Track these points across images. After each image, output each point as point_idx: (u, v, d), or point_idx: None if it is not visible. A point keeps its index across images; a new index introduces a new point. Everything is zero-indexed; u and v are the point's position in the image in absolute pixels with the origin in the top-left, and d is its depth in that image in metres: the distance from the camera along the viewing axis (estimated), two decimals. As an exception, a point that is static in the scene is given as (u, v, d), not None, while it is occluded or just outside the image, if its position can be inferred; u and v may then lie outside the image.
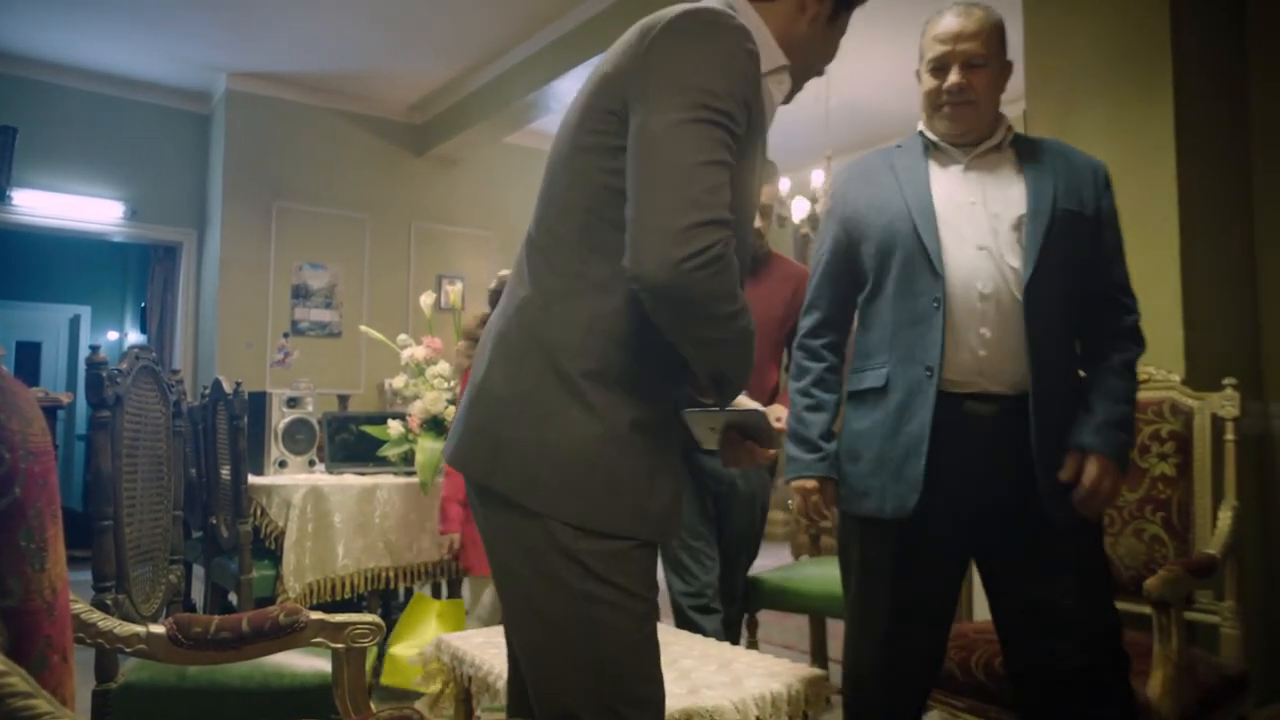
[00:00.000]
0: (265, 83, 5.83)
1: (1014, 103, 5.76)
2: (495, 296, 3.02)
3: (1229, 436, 2.17)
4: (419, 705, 1.65)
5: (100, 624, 1.37)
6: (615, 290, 1.09)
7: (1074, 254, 1.68)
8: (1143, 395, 2.50)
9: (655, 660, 1.14)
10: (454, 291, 5.28)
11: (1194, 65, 2.76)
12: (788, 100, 1.28)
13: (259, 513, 3.05)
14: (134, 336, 8.34)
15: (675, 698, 1.66)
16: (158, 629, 1.38)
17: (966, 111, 1.73)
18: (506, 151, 6.75)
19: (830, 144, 6.01)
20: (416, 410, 3.25)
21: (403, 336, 3.55)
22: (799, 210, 5.41)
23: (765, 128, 1.19)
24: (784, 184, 5.56)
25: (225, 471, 3.05)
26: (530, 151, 6.92)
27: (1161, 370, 2.51)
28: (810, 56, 1.27)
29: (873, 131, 6.77)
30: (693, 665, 1.87)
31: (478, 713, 1.97)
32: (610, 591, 1.06)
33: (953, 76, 1.71)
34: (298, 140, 6.01)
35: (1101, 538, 1.78)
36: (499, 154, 6.72)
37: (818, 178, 5.50)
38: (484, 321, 3.13)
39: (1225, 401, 2.35)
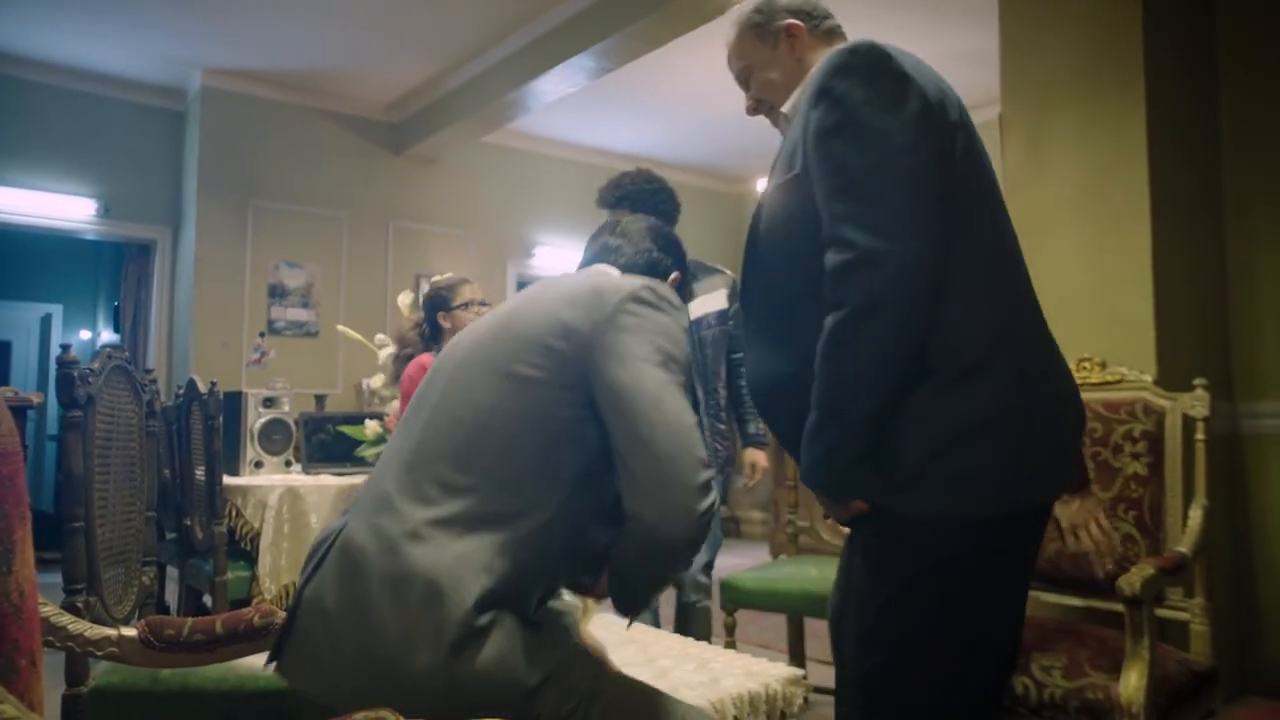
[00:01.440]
0: (241, 79, 5.77)
1: (989, 106, 5.82)
2: (433, 304, 3.03)
3: (1199, 436, 2.20)
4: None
5: (70, 627, 1.35)
6: (523, 523, 1.16)
7: None
8: (1115, 395, 2.53)
9: None
10: (432, 291, 5.27)
11: (1166, 69, 2.80)
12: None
13: (234, 514, 3.02)
14: (107, 336, 8.24)
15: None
16: (129, 632, 1.36)
17: (774, 117, 1.66)
18: (484, 150, 6.72)
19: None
20: (394, 410, 3.23)
21: (380, 336, 3.53)
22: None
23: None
24: (761, 185, 5.58)
25: (200, 472, 3.02)
26: (508, 151, 6.90)
27: (1134, 371, 2.54)
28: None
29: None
30: (671, 665, 1.88)
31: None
32: None
33: (746, 101, 1.67)
34: (274, 138, 5.95)
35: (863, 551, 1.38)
36: (477, 153, 6.69)
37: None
38: (417, 326, 3.15)
39: (1195, 402, 2.39)
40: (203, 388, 2.93)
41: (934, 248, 1.15)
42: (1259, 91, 2.89)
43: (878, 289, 1.12)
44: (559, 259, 7.12)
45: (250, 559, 3.01)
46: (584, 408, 1.18)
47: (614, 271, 1.43)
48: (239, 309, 5.81)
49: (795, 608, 2.83)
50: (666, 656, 1.95)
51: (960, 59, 5.34)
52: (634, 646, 2.03)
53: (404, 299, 3.58)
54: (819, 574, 2.87)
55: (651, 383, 1.15)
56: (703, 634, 2.63)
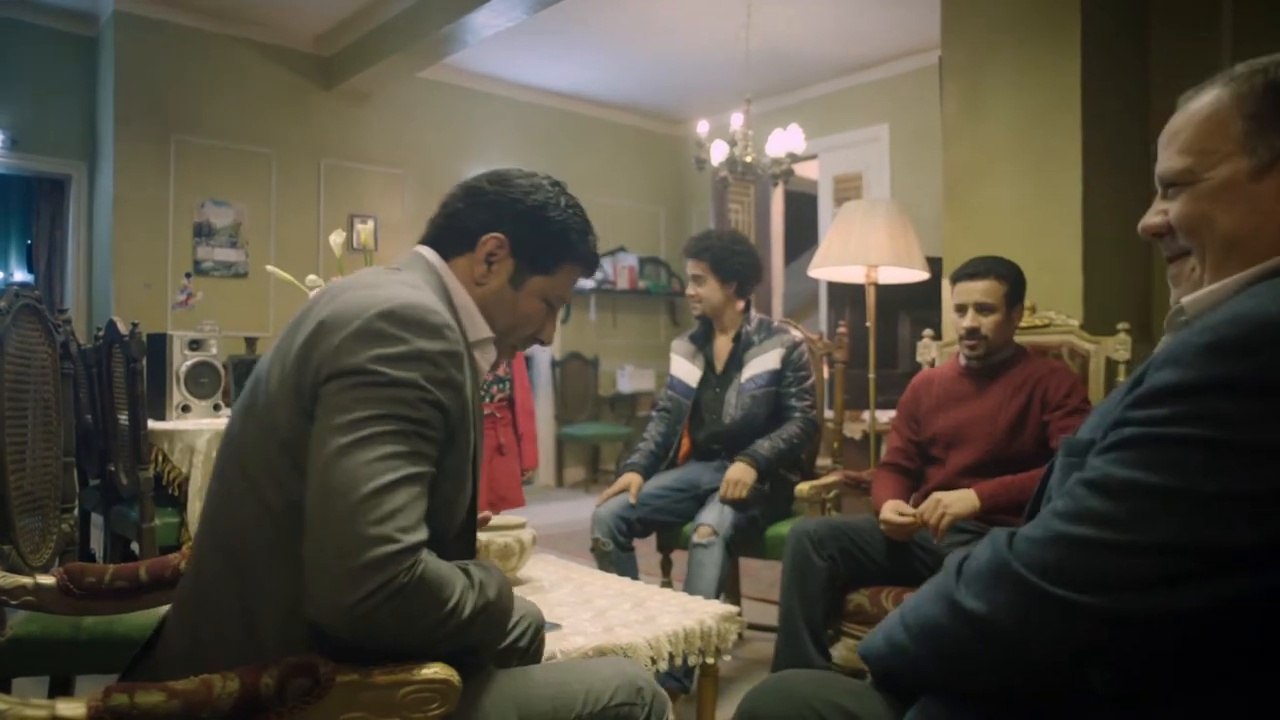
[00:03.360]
0: (158, 4, 5.46)
1: (929, 51, 5.83)
2: None
3: (1121, 378, 2.27)
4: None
5: (-17, 575, 1.30)
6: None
7: None
8: (1044, 339, 2.60)
9: None
10: (365, 231, 5.10)
11: (1101, 14, 2.82)
12: (494, 368, 1.28)
13: (160, 459, 2.94)
14: (20, 276, 7.87)
15: (590, 636, 1.68)
16: (47, 580, 1.32)
17: None
18: (420, 87, 6.51)
19: (750, 87, 5.98)
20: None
21: (312, 277, 3.42)
22: (718, 153, 5.39)
23: (471, 411, 1.12)
24: (702, 126, 5.53)
25: (123, 417, 2.92)
26: (445, 88, 6.70)
27: (1062, 315, 2.60)
28: (509, 322, 1.25)
29: (794, 75, 6.77)
30: (608, 604, 1.90)
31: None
32: None
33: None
34: (195, 69, 5.67)
35: None
36: (413, 89, 6.48)
37: (737, 121, 5.47)
38: None
39: (1119, 345, 2.46)
40: (124, 329, 2.82)
41: None
42: (1185, 38, 2.93)
43: None
44: (497, 200, 7.00)
45: (179, 504, 2.94)
46: None
47: (418, 262, 1.21)
48: (162, 249, 5.60)
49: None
50: (603, 596, 1.97)
51: (901, 2, 5.33)
52: (570, 586, 2.05)
53: (336, 239, 3.47)
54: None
55: (335, 445, 0.95)
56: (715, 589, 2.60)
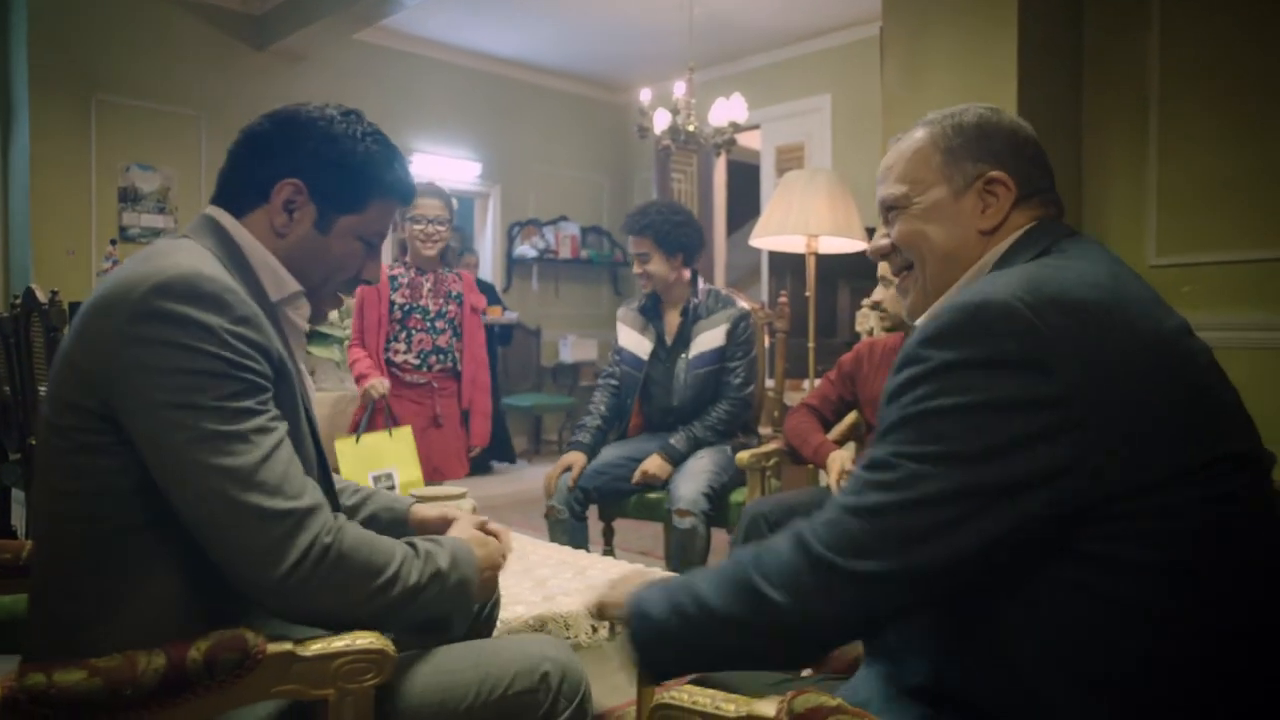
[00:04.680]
0: (76, -42, 5.22)
1: (871, 22, 5.85)
2: None
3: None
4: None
5: (-108, 553, 1.25)
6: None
7: None
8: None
9: None
10: (300, 198, 5.01)
11: (1037, -10, 2.87)
12: (318, 317, 1.21)
13: (85, 432, 2.84)
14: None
15: (531, 605, 1.68)
16: (-39, 557, 1.27)
17: None
18: (357, 49, 6.33)
19: (693, 55, 5.95)
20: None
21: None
22: (660, 122, 5.36)
23: (294, 356, 1.10)
24: (645, 95, 5.49)
25: (44, 389, 2.81)
26: (384, 51, 6.52)
27: (995, 285, 2.65)
28: (325, 269, 1.17)
29: (737, 44, 6.74)
30: (549, 574, 1.90)
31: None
32: None
33: None
34: (117, 24, 5.42)
35: None
36: (349, 52, 6.30)
37: (679, 89, 5.44)
38: None
39: (1049, 315, 2.52)
40: (43, 297, 2.71)
41: None
42: (1118, 18, 2.99)
43: None
44: (438, 166, 6.87)
45: (106, 479, 2.85)
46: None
47: (202, 225, 1.11)
48: (85, 214, 5.38)
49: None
50: (545, 565, 1.97)
51: (845, -27, 5.33)
52: (511, 556, 2.04)
53: (269, 205, 3.38)
54: (696, 483, 2.93)
55: (180, 443, 0.92)
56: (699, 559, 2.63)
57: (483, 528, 1.31)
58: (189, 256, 1.01)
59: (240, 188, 1.14)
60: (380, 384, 2.89)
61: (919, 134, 1.07)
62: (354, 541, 0.98)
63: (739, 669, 0.96)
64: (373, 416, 2.90)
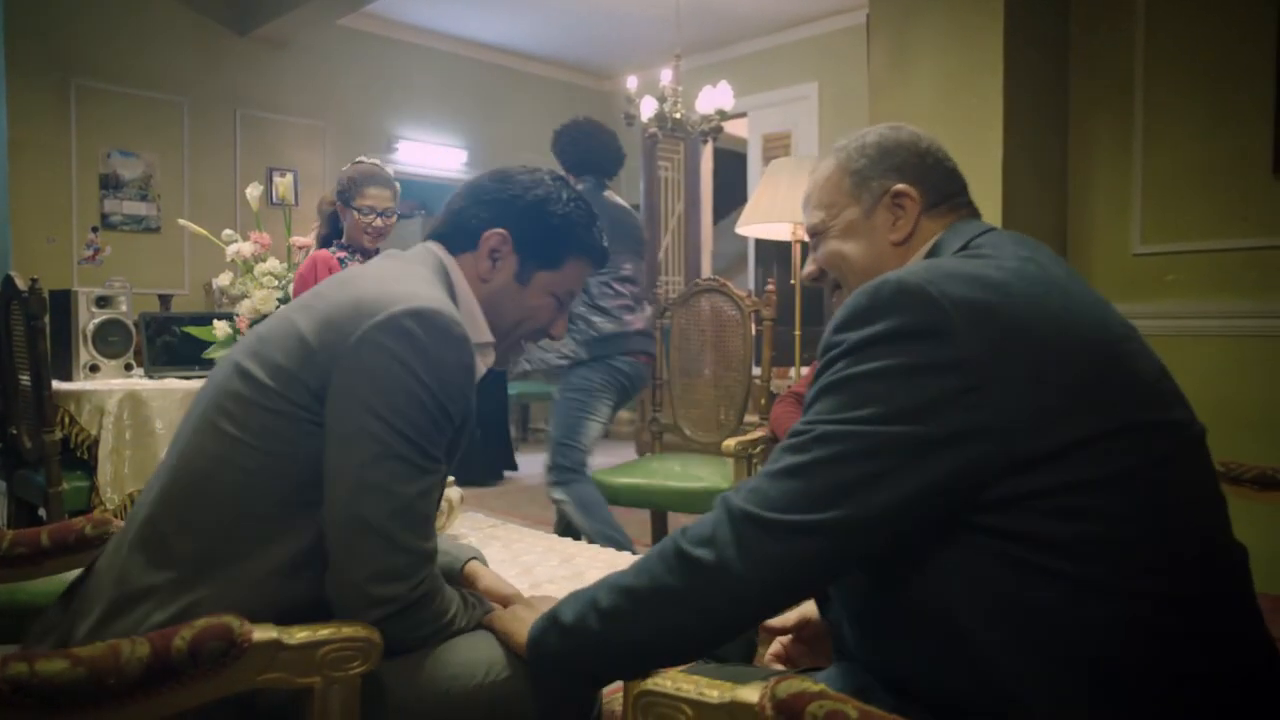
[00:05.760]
0: (54, -60, 5.14)
1: (857, 10, 5.84)
2: (338, 194, 2.81)
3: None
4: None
5: None
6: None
7: None
8: (962, 297, 2.66)
9: None
10: (284, 184, 4.96)
11: (1023, -22, 2.87)
12: (500, 365, 1.30)
13: (67, 421, 2.82)
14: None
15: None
16: (-57, 547, 1.26)
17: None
18: (341, 35, 6.28)
19: (680, 43, 5.92)
20: (245, 310, 3.06)
21: (228, 232, 3.31)
22: (647, 110, 5.34)
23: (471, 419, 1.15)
24: (631, 82, 5.47)
25: (25, 378, 2.79)
26: (368, 37, 6.47)
27: (980, 273, 2.66)
28: (517, 317, 1.25)
29: (724, 32, 6.72)
30: (535, 560, 1.90)
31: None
32: None
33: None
34: (96, 9, 5.35)
35: None
36: (332, 37, 6.24)
37: (666, 76, 5.42)
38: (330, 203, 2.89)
39: (1033, 303, 2.53)
40: (22, 285, 2.68)
41: None
42: (1104, 5, 3.00)
43: None
44: (422, 154, 6.83)
45: (89, 468, 2.83)
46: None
47: (429, 257, 1.22)
48: (66, 201, 5.32)
49: (659, 502, 2.91)
50: (530, 553, 1.97)
51: (831, -41, 5.32)
52: (498, 544, 2.05)
53: (253, 192, 3.35)
54: (682, 470, 2.95)
55: (353, 466, 1.00)
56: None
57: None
58: (440, 293, 1.12)
59: (455, 231, 1.24)
60: None
61: (829, 162, 1.14)
62: (439, 585, 1.07)
63: (676, 657, 0.92)
64: None
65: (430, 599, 1.05)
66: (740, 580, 0.87)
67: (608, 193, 3.20)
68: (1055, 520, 0.82)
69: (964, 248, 1.00)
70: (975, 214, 1.10)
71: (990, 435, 0.82)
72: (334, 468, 1.02)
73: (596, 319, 3.04)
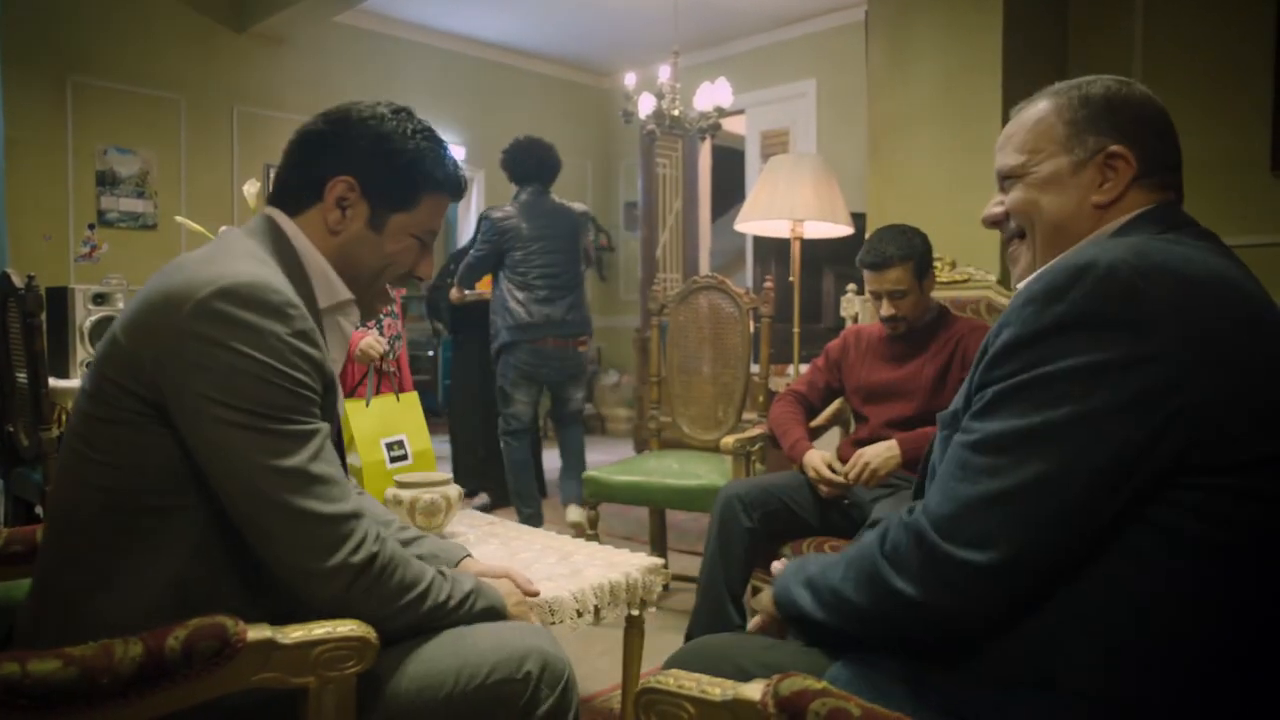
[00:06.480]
0: (50, -64, 5.12)
1: (856, 7, 5.83)
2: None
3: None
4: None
5: None
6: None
7: None
8: (963, 294, 2.65)
9: None
10: (282, 182, 4.94)
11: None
12: (368, 315, 1.24)
13: (64, 418, 2.81)
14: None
15: (515, 592, 1.67)
16: (-63, 545, 1.25)
17: None
18: (339, 32, 6.26)
19: (678, 39, 5.91)
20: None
21: (225, 229, 3.30)
22: (645, 106, 5.33)
23: (335, 383, 1.11)
24: (630, 79, 5.45)
25: (22, 375, 2.78)
26: (365, 34, 6.45)
27: (980, 270, 2.66)
28: (377, 266, 1.18)
29: (722, 28, 6.71)
30: (533, 558, 1.89)
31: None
32: None
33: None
34: (93, 5, 5.33)
35: None
36: (331, 34, 6.22)
37: (664, 73, 5.41)
38: None
39: (1033, 300, 2.52)
40: (18, 282, 2.67)
41: None
42: (1101, 4, 2.99)
43: None
44: (421, 152, 6.81)
45: (86, 466, 2.82)
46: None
47: (261, 226, 1.13)
48: (62, 198, 5.30)
49: (657, 500, 2.90)
50: (528, 550, 1.96)
51: (830, -44, 5.30)
52: (495, 542, 2.04)
53: (250, 189, 3.34)
54: (680, 468, 2.94)
55: (232, 448, 0.96)
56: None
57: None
58: (255, 264, 1.03)
59: (295, 187, 1.16)
60: (376, 342, 2.83)
61: (1043, 104, 1.05)
62: (393, 555, 1.04)
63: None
64: (379, 378, 2.81)
65: (387, 568, 1.02)
66: (944, 615, 0.87)
67: (552, 195, 3.98)
68: (1196, 524, 0.80)
69: (1165, 231, 0.95)
70: (1180, 193, 1.04)
71: (1180, 435, 0.79)
72: (215, 470, 0.98)
73: (516, 309, 3.69)
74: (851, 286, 2.96)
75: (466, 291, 4.26)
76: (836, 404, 2.70)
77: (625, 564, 1.86)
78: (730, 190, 7.78)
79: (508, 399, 3.80)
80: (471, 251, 3.89)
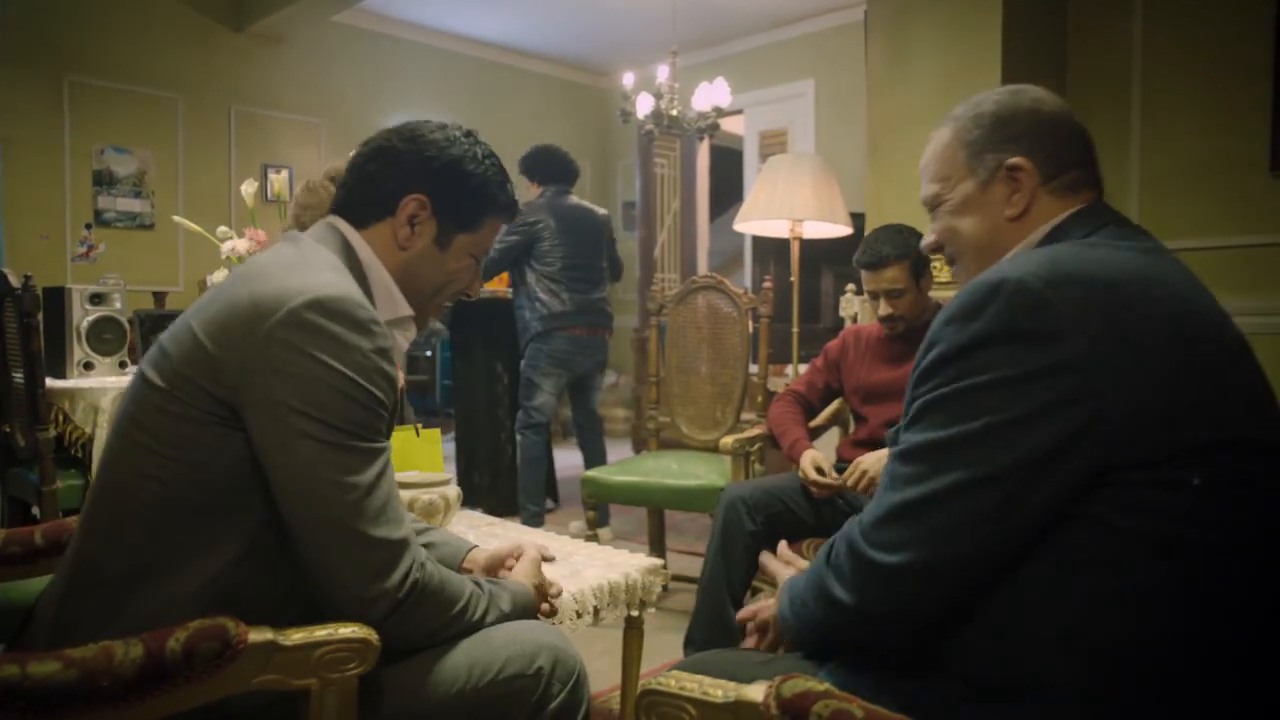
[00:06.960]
0: (47, -65, 5.11)
1: (855, 7, 5.83)
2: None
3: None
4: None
5: None
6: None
7: None
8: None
9: None
10: (279, 181, 4.92)
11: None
12: (422, 330, 1.26)
13: (61, 419, 2.81)
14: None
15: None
16: (-65, 546, 1.24)
17: None
18: (338, 31, 6.25)
19: (676, 39, 5.91)
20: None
21: (223, 229, 3.29)
22: (643, 106, 5.32)
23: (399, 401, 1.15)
24: (628, 79, 5.45)
25: (18, 375, 2.77)
26: (364, 33, 6.44)
27: (978, 271, 2.65)
28: (438, 282, 1.22)
29: (720, 28, 6.71)
30: (532, 560, 1.89)
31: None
32: None
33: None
34: (90, 3, 5.32)
35: None
36: (329, 34, 6.21)
37: (663, 73, 5.41)
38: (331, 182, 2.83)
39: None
40: (15, 282, 2.66)
41: None
42: (1101, 5, 2.99)
43: None
44: (419, 151, 6.80)
45: (83, 466, 2.81)
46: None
47: (331, 236, 1.15)
48: (59, 197, 5.29)
49: (656, 500, 2.90)
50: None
51: (829, -44, 5.30)
52: (497, 543, 2.03)
53: (248, 189, 3.33)
54: (680, 468, 2.94)
55: (301, 460, 0.97)
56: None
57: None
58: (339, 277, 1.06)
59: (365, 200, 1.17)
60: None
61: (945, 131, 1.08)
62: (435, 577, 1.05)
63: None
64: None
65: (427, 594, 1.03)
66: (882, 621, 0.91)
67: (571, 196, 4.01)
68: (1127, 518, 0.81)
69: (1089, 236, 0.97)
70: (1098, 187, 1.05)
71: (1099, 437, 0.81)
72: (282, 478, 0.99)
73: (548, 299, 3.76)
74: (851, 286, 2.96)
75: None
76: (836, 404, 2.70)
77: (625, 564, 1.86)
78: (729, 190, 7.78)
79: (532, 390, 3.79)
80: (495, 243, 3.89)
